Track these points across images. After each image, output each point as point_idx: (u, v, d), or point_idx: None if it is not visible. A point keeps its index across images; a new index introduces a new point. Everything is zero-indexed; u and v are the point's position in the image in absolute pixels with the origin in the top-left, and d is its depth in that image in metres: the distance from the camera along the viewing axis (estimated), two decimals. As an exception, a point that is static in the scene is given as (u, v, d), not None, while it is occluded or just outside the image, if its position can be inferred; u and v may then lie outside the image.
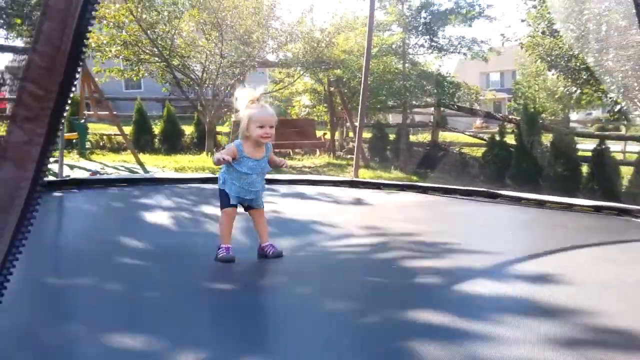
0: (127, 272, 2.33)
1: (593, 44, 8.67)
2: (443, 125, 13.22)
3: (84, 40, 0.98)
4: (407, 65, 13.09)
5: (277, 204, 3.77)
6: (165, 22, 11.00)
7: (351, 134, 13.89)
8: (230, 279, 2.30)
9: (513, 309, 1.82)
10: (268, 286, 2.28)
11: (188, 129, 13.03)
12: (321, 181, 5.27)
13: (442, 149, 12.63)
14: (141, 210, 3.87)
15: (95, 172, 8.31)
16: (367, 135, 13.06)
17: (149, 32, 10.71)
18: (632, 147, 12.58)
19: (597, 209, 3.80)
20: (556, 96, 16.37)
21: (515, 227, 3.63)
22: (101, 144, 12.01)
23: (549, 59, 10.65)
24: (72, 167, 8.72)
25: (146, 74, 11.62)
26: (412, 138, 13.73)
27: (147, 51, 11.01)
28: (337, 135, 14.03)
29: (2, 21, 11.57)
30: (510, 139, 10.76)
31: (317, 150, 13.27)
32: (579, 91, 11.22)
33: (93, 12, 0.97)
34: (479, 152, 11.99)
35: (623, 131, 14.87)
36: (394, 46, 12.84)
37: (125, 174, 8.38)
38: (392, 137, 13.29)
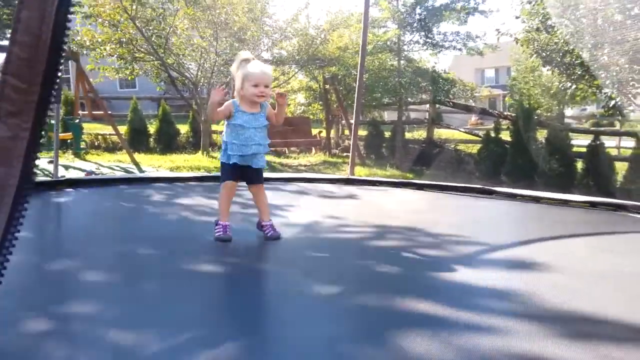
0: (123, 265, 2.32)
1: (588, 39, 8.68)
2: (438, 122, 13.23)
3: (65, 30, 0.94)
4: (402, 62, 13.08)
5: (272, 202, 3.76)
6: (160, 20, 10.96)
7: (347, 132, 13.89)
8: (225, 263, 2.29)
9: (508, 299, 1.82)
10: (264, 272, 2.28)
11: (183, 128, 13.00)
12: (317, 179, 5.26)
13: (437, 146, 12.64)
14: (136, 209, 3.86)
15: (90, 172, 8.28)
16: (362, 132, 13.05)
17: (143, 30, 10.67)
18: (627, 142, 12.62)
19: (593, 205, 3.81)
20: (551, 92, 16.43)
21: (510, 221, 3.65)
22: (96, 143, 11.97)
23: (544, 54, 10.66)
24: (67, 167, 8.69)
25: (141, 72, 11.57)
26: (408, 135, 13.73)
27: (142, 49, 10.97)
28: (332, 133, 14.03)
29: None
30: (506, 135, 10.78)
31: (313, 148, 13.26)
32: (573, 87, 11.24)
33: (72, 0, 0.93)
34: (474, 148, 12.00)
35: (617, 127, 14.92)
36: (389, 43, 12.82)
37: (120, 174, 8.35)
38: (387, 134, 13.29)
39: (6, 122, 0.91)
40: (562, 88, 12.26)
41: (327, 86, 13.44)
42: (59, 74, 1.01)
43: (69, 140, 10.39)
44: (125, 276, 2.17)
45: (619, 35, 8.03)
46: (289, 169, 10.93)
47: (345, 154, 12.50)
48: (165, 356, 1.38)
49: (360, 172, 9.67)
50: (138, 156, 10.12)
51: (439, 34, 13.30)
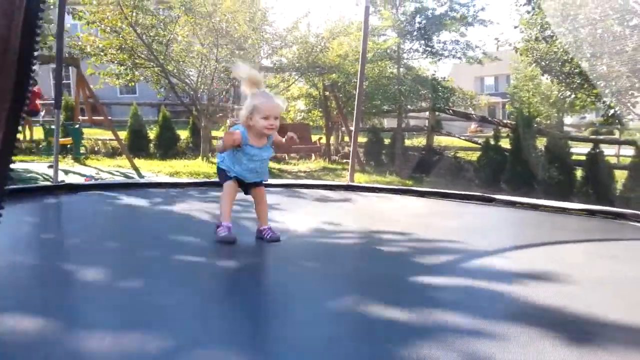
0: (122, 270, 2.32)
1: (587, 48, 8.73)
2: (438, 129, 13.26)
3: (35, 37, 0.92)
4: (402, 69, 13.13)
5: (272, 208, 3.76)
6: (161, 26, 11.00)
7: (346, 139, 13.91)
8: (226, 265, 2.29)
9: (506, 305, 1.83)
10: (263, 274, 2.28)
11: (183, 134, 13.02)
12: (317, 185, 5.27)
13: (437, 153, 12.67)
14: (136, 214, 3.86)
15: (90, 177, 8.28)
16: (362, 139, 13.08)
17: (144, 36, 10.71)
18: (626, 151, 12.65)
19: (592, 213, 3.82)
20: (550, 100, 16.49)
21: (510, 228, 3.65)
22: (96, 149, 11.99)
23: (543, 63, 10.72)
24: (66, 172, 8.69)
25: (141, 79, 11.60)
26: (408, 142, 13.76)
27: (143, 56, 11.00)
28: (332, 139, 14.06)
29: None
30: (505, 143, 10.81)
31: (313, 154, 13.28)
32: (572, 96, 11.30)
33: (41, 5, 0.91)
34: (473, 156, 12.02)
35: (617, 135, 14.97)
36: (388, 51, 12.88)
37: (120, 179, 8.35)
38: (387, 141, 13.32)
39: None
40: (562, 97, 12.32)
41: (327, 93, 13.48)
42: (31, 82, 0.98)
43: (69, 145, 10.40)
44: (124, 280, 2.17)
45: (618, 45, 8.08)
46: (288, 175, 10.94)
47: (344, 160, 12.51)
48: (165, 357, 1.38)
49: (360, 179, 9.68)
50: (138, 161, 10.12)
51: (439, 43, 13.37)
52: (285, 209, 3.90)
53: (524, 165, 9.85)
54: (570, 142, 10.46)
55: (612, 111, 9.19)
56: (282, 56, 12.60)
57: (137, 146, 11.97)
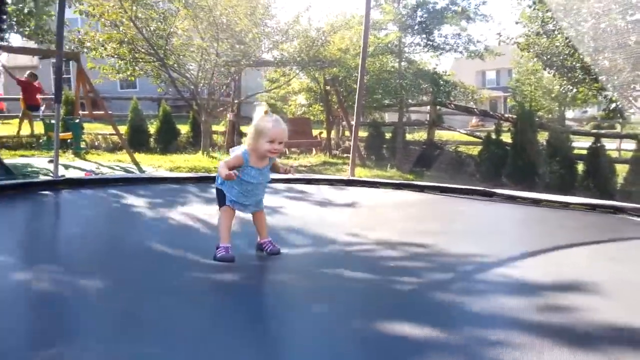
0: (123, 270, 2.31)
1: (589, 42, 8.69)
2: (439, 123, 13.23)
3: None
4: (403, 63, 13.08)
5: (273, 203, 3.76)
6: (161, 20, 10.96)
7: (347, 133, 13.88)
8: (227, 278, 2.28)
9: (509, 307, 1.82)
10: (265, 287, 2.28)
11: (184, 128, 13.00)
12: (317, 180, 5.26)
13: (438, 147, 12.64)
14: (136, 209, 3.86)
15: (90, 172, 8.28)
16: (363, 134, 13.05)
17: (144, 30, 10.66)
18: (627, 144, 12.62)
19: (593, 207, 3.81)
20: (552, 95, 16.44)
21: (511, 225, 3.64)
22: (96, 143, 11.97)
23: (544, 58, 10.67)
24: (67, 167, 8.69)
25: (141, 73, 11.57)
26: (409, 137, 13.72)
27: (143, 50, 10.97)
28: (333, 134, 14.03)
29: None
30: (507, 137, 10.78)
31: (314, 149, 13.26)
32: (574, 90, 11.25)
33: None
34: (475, 150, 11.99)
35: (618, 129, 14.92)
36: (390, 45, 12.82)
37: (120, 174, 8.35)
38: (388, 135, 13.29)
39: None
40: (563, 91, 12.28)
41: (328, 87, 13.44)
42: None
43: (69, 140, 10.40)
44: (124, 277, 2.17)
45: (620, 39, 8.04)
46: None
47: (345, 155, 12.49)
48: None
49: (361, 173, 9.66)
50: (138, 156, 10.12)
51: (440, 37, 13.31)
52: (286, 205, 3.90)
53: (525, 160, 9.82)
54: (571, 136, 10.42)
55: (613, 105, 9.15)
56: (284, 50, 12.54)
57: (137, 141, 11.96)
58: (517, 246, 2.83)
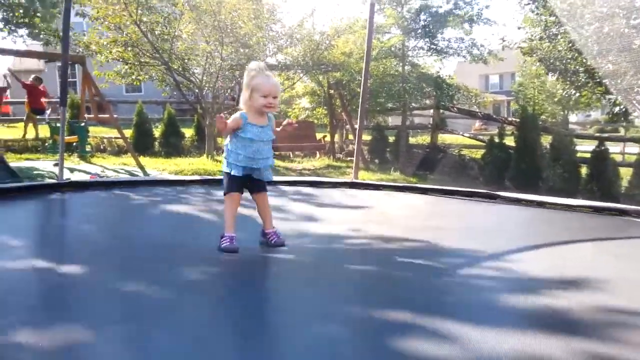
0: (127, 269, 2.33)
1: (592, 46, 8.69)
2: (442, 127, 13.24)
3: None
4: (406, 67, 13.10)
5: (277, 205, 3.78)
6: (165, 24, 11.02)
7: (351, 137, 13.91)
8: (230, 271, 2.30)
9: (513, 304, 1.83)
10: (269, 279, 2.29)
11: (188, 132, 13.05)
12: (321, 183, 5.28)
13: (441, 150, 12.64)
14: (141, 211, 3.88)
15: (95, 175, 8.32)
16: (366, 137, 13.06)
17: (149, 35, 10.73)
18: (631, 148, 12.59)
19: (597, 210, 3.82)
20: (555, 99, 16.43)
21: (515, 225, 3.65)
22: (102, 147, 12.03)
23: (547, 62, 10.67)
24: (72, 170, 8.73)
25: (146, 77, 11.63)
26: (412, 140, 13.73)
27: (148, 54, 11.03)
28: (337, 137, 14.05)
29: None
30: (510, 141, 10.77)
31: (317, 152, 13.29)
32: (577, 94, 11.25)
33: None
34: (478, 153, 11.99)
35: (622, 133, 14.89)
36: (393, 49, 12.85)
37: (125, 177, 8.38)
38: (391, 139, 13.31)
39: None
40: (566, 95, 12.27)
41: (332, 91, 13.48)
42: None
43: (74, 144, 10.45)
44: (125, 281, 2.18)
45: (624, 42, 8.04)
46: (293, 172, 10.95)
47: (349, 158, 12.51)
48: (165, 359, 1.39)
49: (364, 177, 9.67)
50: (143, 159, 10.16)
51: (444, 40, 13.32)
52: (290, 207, 3.92)
53: (528, 163, 9.82)
54: (575, 139, 10.42)
55: (617, 108, 9.14)
56: (288, 54, 12.59)
57: (142, 144, 12.00)
58: (521, 244, 2.84)
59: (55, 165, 7.09)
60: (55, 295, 1.96)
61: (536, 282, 2.11)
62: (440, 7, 13.05)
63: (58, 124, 6.74)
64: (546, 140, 10.45)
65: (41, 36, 13.53)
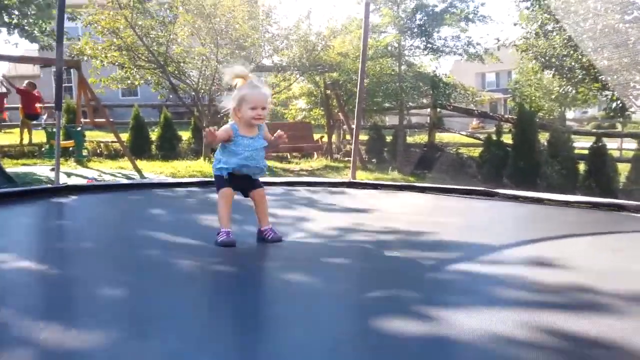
0: (125, 270, 2.32)
1: (588, 42, 8.70)
2: (439, 126, 13.24)
3: None
4: (403, 67, 13.10)
5: (274, 206, 3.76)
6: (161, 28, 11.01)
7: (348, 137, 13.90)
8: (228, 266, 2.29)
9: (511, 297, 1.82)
10: (267, 273, 2.28)
11: (185, 135, 13.03)
12: (319, 183, 5.26)
13: (439, 149, 12.65)
14: (139, 214, 3.87)
15: (92, 179, 8.30)
16: (364, 137, 13.07)
17: (144, 38, 10.72)
18: (629, 144, 12.61)
19: (595, 206, 3.81)
20: (552, 96, 16.45)
21: (513, 221, 3.64)
22: (98, 151, 12.01)
23: (543, 59, 10.70)
24: (69, 174, 8.71)
25: (142, 81, 11.62)
26: (409, 139, 13.74)
27: (143, 57, 11.02)
28: (334, 138, 14.05)
29: None
30: (507, 139, 10.79)
31: (315, 153, 13.28)
32: (574, 91, 11.27)
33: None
34: (475, 152, 12.00)
35: (619, 128, 14.92)
36: (389, 48, 12.85)
37: (122, 181, 8.36)
38: (389, 138, 13.31)
39: None
40: (563, 91, 12.29)
41: (329, 92, 13.47)
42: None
43: (71, 148, 10.43)
44: (123, 283, 2.17)
45: (620, 37, 8.04)
46: (290, 174, 10.95)
47: (347, 158, 12.50)
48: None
49: (362, 176, 9.66)
50: (140, 163, 10.14)
51: (440, 39, 13.32)
52: (288, 207, 3.90)
53: (526, 160, 9.83)
54: (572, 136, 10.43)
55: (614, 104, 9.15)
56: (284, 55, 12.59)
57: (139, 148, 11.98)
58: (519, 240, 2.83)
59: (52, 170, 7.06)
60: (52, 296, 1.94)
61: (534, 277, 2.10)
62: (436, 6, 13.06)
63: (54, 129, 6.72)
64: (543, 137, 10.46)
65: (35, 33, 13.49)
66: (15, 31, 13.14)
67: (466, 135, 13.86)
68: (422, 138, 13.81)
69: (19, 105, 12.09)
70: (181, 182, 5.35)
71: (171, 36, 10.93)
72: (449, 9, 12.92)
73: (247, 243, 2.59)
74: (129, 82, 11.41)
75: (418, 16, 13.07)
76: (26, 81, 12.41)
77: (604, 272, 2.14)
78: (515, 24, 11.12)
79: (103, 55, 10.70)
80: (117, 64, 10.99)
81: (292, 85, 13.88)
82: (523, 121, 10.29)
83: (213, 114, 11.80)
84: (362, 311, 1.76)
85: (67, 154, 10.32)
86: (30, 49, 16.90)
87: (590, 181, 9.12)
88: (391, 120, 16.09)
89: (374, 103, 12.74)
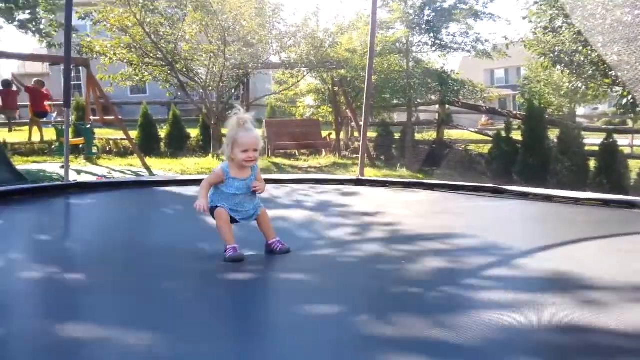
0: (134, 271, 2.33)
1: (597, 37, 8.61)
2: (448, 122, 13.17)
3: None
4: (411, 63, 13.04)
5: (283, 204, 3.77)
6: (169, 25, 11.04)
7: (356, 134, 13.87)
8: (236, 275, 2.29)
9: (521, 299, 1.81)
10: (276, 284, 2.28)
11: (194, 132, 13.06)
12: (327, 180, 5.26)
13: (447, 146, 12.59)
14: (147, 211, 3.88)
15: (102, 177, 8.34)
16: (372, 134, 13.03)
17: (152, 35, 10.75)
18: (640, 141, 12.49)
19: (605, 203, 3.77)
20: (562, 92, 16.31)
21: (523, 220, 3.61)
22: (107, 148, 12.07)
23: (552, 55, 10.60)
24: (79, 172, 8.76)
25: (150, 78, 11.65)
26: (418, 136, 13.67)
27: (151, 55, 11.05)
28: (342, 135, 14.02)
29: None
30: (517, 135, 10.71)
31: (323, 150, 13.27)
32: (584, 87, 11.17)
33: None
34: (484, 148, 11.93)
35: (630, 125, 14.76)
36: (397, 44, 12.79)
37: (131, 178, 8.40)
38: (397, 135, 13.26)
39: None
40: (573, 87, 12.19)
41: (336, 88, 13.44)
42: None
43: (81, 146, 10.49)
44: (130, 285, 2.18)
45: (631, 32, 7.95)
46: (298, 171, 10.94)
47: (355, 155, 12.47)
48: None
49: (370, 173, 9.65)
50: (149, 160, 10.18)
51: (448, 35, 13.24)
52: (296, 205, 3.90)
53: (536, 157, 9.75)
54: (583, 132, 10.34)
55: (625, 100, 9.06)
56: (292, 52, 12.57)
57: (148, 145, 12.03)
58: (528, 238, 2.82)
59: (62, 167, 7.11)
60: (61, 295, 1.95)
61: (544, 276, 2.08)
62: (445, 1, 12.98)
63: (63, 127, 6.76)
64: (553, 134, 10.38)
65: (41, 26, 13.55)
66: (30, 26, 13.21)
67: (475, 132, 13.77)
68: (430, 135, 13.74)
69: (28, 103, 12.17)
70: (190, 180, 5.37)
71: (180, 34, 10.95)
72: (458, 5, 12.83)
73: (253, 255, 2.56)
74: (137, 79, 11.44)
75: (426, 12, 13.00)
76: (34, 79, 12.48)
77: (616, 274, 2.11)
78: (524, 18, 11.01)
79: (112, 53, 10.74)
80: (125, 61, 11.02)
81: (300, 82, 13.85)
82: (532, 118, 10.21)
83: (221, 111, 11.83)
84: (366, 314, 1.75)
85: (77, 151, 10.38)
86: (38, 47, 16.98)
87: (600, 178, 9.03)
88: (399, 117, 16.03)
89: (382, 100, 12.68)
